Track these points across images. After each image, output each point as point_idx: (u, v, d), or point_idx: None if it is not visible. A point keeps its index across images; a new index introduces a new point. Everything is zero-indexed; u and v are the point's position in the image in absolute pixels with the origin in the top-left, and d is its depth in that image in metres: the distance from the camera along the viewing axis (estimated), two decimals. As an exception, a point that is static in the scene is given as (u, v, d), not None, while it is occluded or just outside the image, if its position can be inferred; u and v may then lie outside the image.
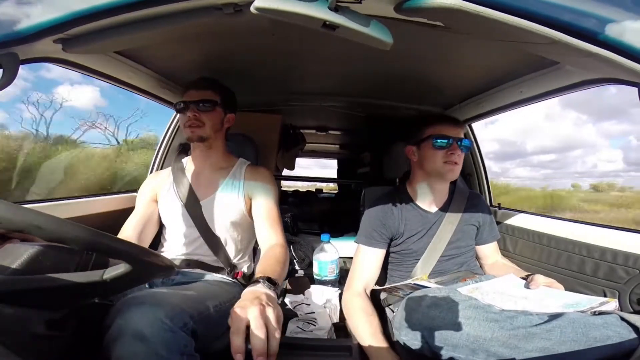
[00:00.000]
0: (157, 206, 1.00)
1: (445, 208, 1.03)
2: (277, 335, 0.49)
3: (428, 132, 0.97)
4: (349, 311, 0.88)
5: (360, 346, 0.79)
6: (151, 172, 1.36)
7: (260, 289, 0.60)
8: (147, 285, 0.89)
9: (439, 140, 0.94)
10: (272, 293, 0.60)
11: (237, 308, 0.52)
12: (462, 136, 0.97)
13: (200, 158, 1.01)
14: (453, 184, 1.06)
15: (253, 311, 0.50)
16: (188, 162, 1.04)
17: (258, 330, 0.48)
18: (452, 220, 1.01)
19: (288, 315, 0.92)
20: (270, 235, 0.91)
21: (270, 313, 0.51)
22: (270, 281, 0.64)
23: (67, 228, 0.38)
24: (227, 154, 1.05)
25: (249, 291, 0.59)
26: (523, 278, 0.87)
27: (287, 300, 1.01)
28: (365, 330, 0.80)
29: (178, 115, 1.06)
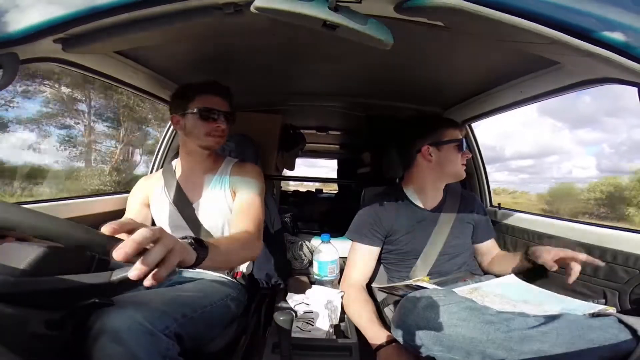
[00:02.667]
0: (148, 210, 0.99)
1: (440, 207, 1.04)
2: (167, 266, 0.42)
3: (448, 134, 1.00)
4: (346, 302, 0.94)
5: (359, 346, 0.79)
6: (151, 172, 1.36)
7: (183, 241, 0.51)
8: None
9: (464, 144, 1.01)
10: (189, 247, 0.50)
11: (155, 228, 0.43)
12: None
13: (195, 162, 0.99)
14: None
15: (168, 239, 0.43)
16: (177, 165, 1.03)
17: (156, 249, 0.41)
18: (447, 219, 1.02)
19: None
20: (239, 224, 0.84)
21: (178, 248, 0.44)
22: (199, 243, 0.54)
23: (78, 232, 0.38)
24: (215, 155, 1.04)
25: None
26: (527, 259, 0.89)
27: (287, 300, 1.01)
28: (362, 316, 0.86)
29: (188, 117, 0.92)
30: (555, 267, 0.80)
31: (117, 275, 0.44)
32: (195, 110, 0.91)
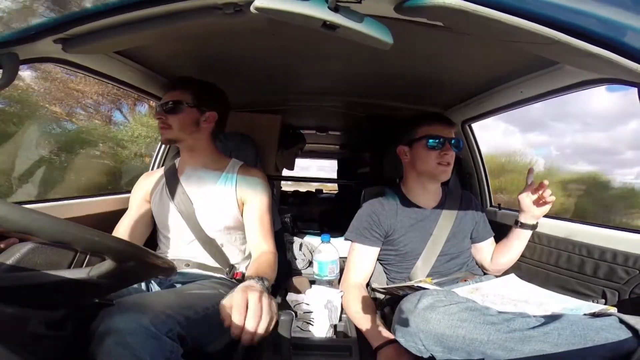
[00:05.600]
0: (149, 206, 0.99)
1: (441, 206, 1.04)
2: (269, 319, 0.55)
3: (421, 132, 0.98)
4: (346, 302, 0.93)
5: (359, 346, 0.79)
6: (152, 169, 1.36)
7: (253, 284, 0.63)
8: (143, 286, 0.88)
9: (432, 141, 0.95)
10: (264, 289, 0.62)
11: (238, 292, 0.57)
12: (453, 136, 0.98)
13: (187, 160, 0.99)
14: (446, 183, 1.07)
15: (253, 295, 0.56)
16: (180, 164, 1.03)
17: (254, 311, 0.53)
18: (448, 218, 1.02)
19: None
20: (261, 243, 0.92)
21: (265, 298, 0.57)
22: (263, 281, 0.66)
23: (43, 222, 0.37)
24: (217, 154, 1.03)
25: (243, 285, 0.63)
26: (517, 222, 0.98)
27: (287, 300, 1.01)
28: (362, 316, 0.85)
29: None
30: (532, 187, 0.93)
31: (95, 271, 0.43)
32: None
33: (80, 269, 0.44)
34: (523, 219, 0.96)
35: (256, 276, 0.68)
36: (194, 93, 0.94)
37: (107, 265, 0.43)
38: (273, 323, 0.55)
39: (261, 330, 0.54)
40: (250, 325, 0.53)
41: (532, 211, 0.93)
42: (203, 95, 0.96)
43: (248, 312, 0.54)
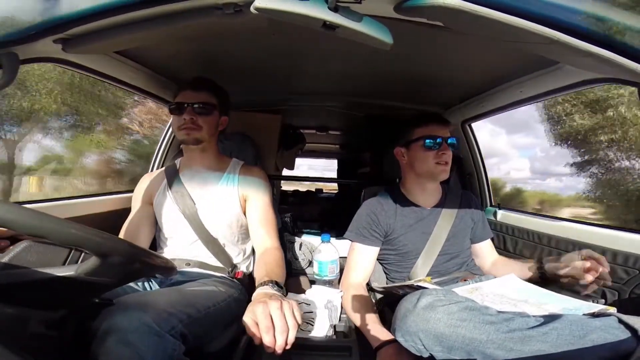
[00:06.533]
0: (152, 208, 0.99)
1: (440, 205, 1.04)
2: (296, 328, 0.55)
3: (417, 133, 0.98)
4: (346, 302, 0.93)
5: (359, 346, 0.79)
6: (152, 170, 1.36)
7: (269, 290, 0.63)
8: (139, 285, 0.88)
9: (429, 141, 0.96)
10: (281, 294, 0.63)
11: (258, 307, 0.56)
12: (449, 135, 0.99)
13: (194, 160, 0.99)
14: (446, 182, 1.07)
15: (274, 307, 0.56)
16: (181, 164, 1.03)
17: (281, 327, 0.54)
18: (448, 217, 1.02)
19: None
20: (265, 239, 0.92)
21: (287, 306, 0.56)
22: (277, 284, 0.67)
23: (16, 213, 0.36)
24: (220, 155, 1.04)
25: (260, 292, 0.63)
26: (540, 271, 0.90)
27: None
28: (362, 316, 0.85)
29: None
30: (590, 279, 0.76)
31: (81, 268, 0.42)
32: (170, 107, 0.95)
33: (68, 267, 0.44)
34: (552, 271, 0.88)
35: (268, 280, 0.68)
36: (218, 96, 0.96)
37: (92, 261, 0.42)
38: (296, 328, 0.56)
39: (291, 340, 0.54)
40: (280, 342, 0.53)
41: (553, 278, 0.87)
42: (224, 99, 0.98)
43: (275, 328, 0.54)
